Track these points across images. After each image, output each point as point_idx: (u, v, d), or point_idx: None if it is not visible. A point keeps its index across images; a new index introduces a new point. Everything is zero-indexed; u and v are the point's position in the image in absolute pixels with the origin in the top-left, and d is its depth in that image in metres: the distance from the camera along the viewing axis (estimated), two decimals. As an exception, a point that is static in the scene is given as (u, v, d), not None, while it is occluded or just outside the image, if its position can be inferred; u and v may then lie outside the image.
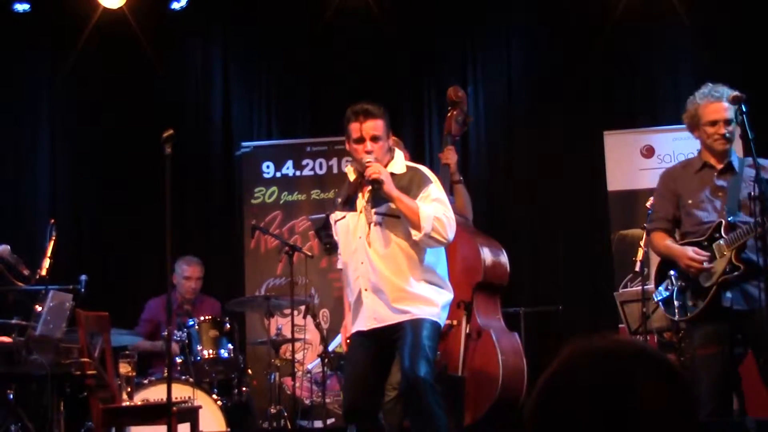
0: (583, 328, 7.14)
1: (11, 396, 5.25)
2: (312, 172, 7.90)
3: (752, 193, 4.31)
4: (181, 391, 5.67)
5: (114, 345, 5.47)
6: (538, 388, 1.24)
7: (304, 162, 7.89)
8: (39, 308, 4.89)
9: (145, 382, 5.91)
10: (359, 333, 4.35)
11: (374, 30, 8.09)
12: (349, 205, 4.40)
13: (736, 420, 4.59)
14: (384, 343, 4.33)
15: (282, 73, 8.48)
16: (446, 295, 4.43)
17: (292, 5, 8.25)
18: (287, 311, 6.64)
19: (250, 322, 7.59)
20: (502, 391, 5.00)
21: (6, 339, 4.78)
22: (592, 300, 7.66)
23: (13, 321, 5.05)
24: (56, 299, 4.94)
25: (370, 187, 4.28)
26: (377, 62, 8.35)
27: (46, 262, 5.23)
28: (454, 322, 5.13)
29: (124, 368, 5.00)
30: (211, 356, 6.21)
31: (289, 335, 6.49)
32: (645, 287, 5.56)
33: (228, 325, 6.33)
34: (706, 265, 4.37)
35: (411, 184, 4.32)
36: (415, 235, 4.20)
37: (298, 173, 7.89)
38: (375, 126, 4.31)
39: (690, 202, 4.53)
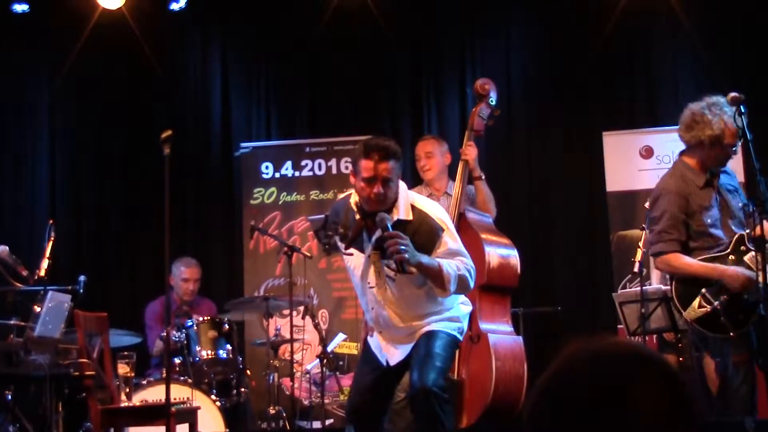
0: (582, 328, 7.13)
1: (10, 397, 5.24)
2: (311, 173, 7.89)
3: (744, 203, 4.49)
4: (179, 392, 5.66)
5: (112, 346, 5.47)
6: (537, 390, 1.24)
7: (303, 163, 7.89)
8: (37, 309, 4.88)
9: (144, 382, 5.91)
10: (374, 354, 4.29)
11: (373, 30, 8.08)
12: (354, 241, 4.12)
13: (735, 420, 4.59)
14: (395, 373, 4.32)
15: (281, 73, 8.48)
16: (464, 308, 4.31)
17: (291, 5, 8.25)
18: (286, 312, 6.64)
19: (249, 323, 7.58)
20: (495, 395, 4.97)
21: None
22: (591, 301, 7.66)
23: (12, 322, 5.04)
24: (55, 300, 4.94)
25: (376, 233, 3.99)
26: (376, 63, 8.34)
27: (45, 263, 5.23)
28: None
29: (123, 369, 4.99)
30: (210, 357, 6.21)
31: (288, 336, 6.48)
32: (644, 288, 5.56)
33: (227, 326, 6.33)
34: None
35: (423, 239, 4.01)
36: (440, 293, 4.06)
37: (297, 174, 7.88)
38: (391, 168, 3.98)
39: (708, 221, 4.53)
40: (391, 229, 3.89)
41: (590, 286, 7.74)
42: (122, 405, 4.93)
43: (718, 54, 7.70)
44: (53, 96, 8.42)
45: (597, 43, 7.83)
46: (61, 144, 8.44)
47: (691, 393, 1.22)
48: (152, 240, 7.38)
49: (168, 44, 8.42)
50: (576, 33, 7.99)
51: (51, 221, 5.55)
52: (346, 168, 7.46)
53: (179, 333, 6.15)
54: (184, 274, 6.86)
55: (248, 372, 6.79)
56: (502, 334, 5.23)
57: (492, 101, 5.56)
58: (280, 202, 7.84)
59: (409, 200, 4.13)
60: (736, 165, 5.61)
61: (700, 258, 4.53)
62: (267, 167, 7.92)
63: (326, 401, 6.83)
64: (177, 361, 6.13)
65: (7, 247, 5.21)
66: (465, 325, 4.30)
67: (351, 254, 4.16)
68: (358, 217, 4.09)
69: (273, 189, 7.88)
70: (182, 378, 5.94)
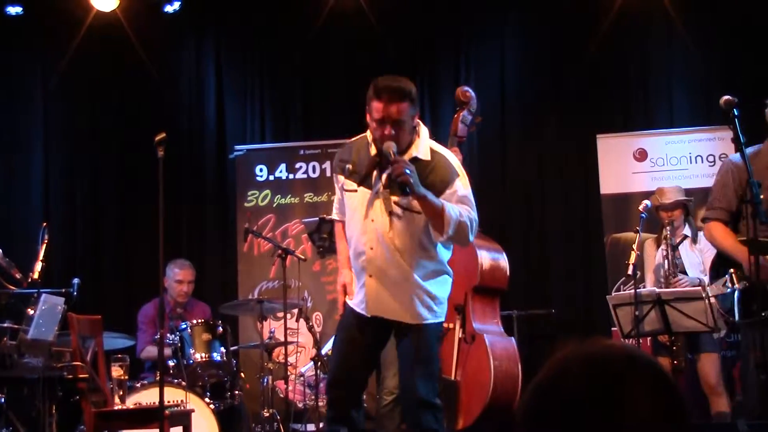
0: (576, 331, 7.14)
1: (3, 400, 5.23)
2: (305, 176, 7.89)
3: None
4: (173, 395, 5.65)
5: (106, 348, 5.46)
6: (529, 393, 1.24)
7: (297, 165, 7.89)
8: (31, 312, 4.88)
9: (138, 385, 5.90)
10: (356, 313, 4.18)
11: (368, 32, 8.08)
12: (362, 179, 4.07)
13: (728, 423, 4.59)
14: (381, 331, 4.22)
15: (275, 76, 8.48)
16: (449, 282, 4.27)
17: (286, 8, 8.25)
18: (280, 314, 6.63)
19: (243, 325, 7.58)
20: (493, 396, 4.99)
21: None
22: (585, 303, 7.67)
23: (5, 324, 5.04)
24: (48, 303, 4.93)
25: (388, 171, 3.96)
26: (371, 65, 8.33)
27: (39, 266, 5.22)
28: (450, 326, 5.12)
29: (117, 372, 4.99)
30: (204, 360, 6.20)
31: (282, 338, 6.48)
32: (637, 290, 5.56)
33: (221, 329, 6.32)
34: None
35: (436, 178, 4.02)
36: (437, 236, 4.01)
37: (291, 176, 7.88)
38: (399, 110, 3.96)
39: (763, 196, 4.35)
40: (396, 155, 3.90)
41: (584, 288, 7.76)
42: (116, 408, 4.92)
43: (711, 57, 7.72)
44: (47, 98, 8.41)
45: (591, 47, 7.85)
46: (55, 146, 8.43)
47: (681, 394, 1.22)
48: (146, 242, 7.38)
49: (162, 46, 8.41)
50: (570, 36, 8.00)
51: (44, 224, 5.54)
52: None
53: (173, 336, 6.15)
54: (177, 276, 6.86)
55: (242, 375, 6.79)
56: (495, 334, 5.25)
57: (473, 108, 5.60)
58: (275, 205, 7.83)
59: (428, 143, 4.12)
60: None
61: (743, 239, 4.41)
62: (261, 170, 7.92)
63: (320, 404, 6.80)
64: (171, 363, 6.12)
65: (1, 250, 5.20)
66: (446, 306, 4.27)
67: (355, 191, 4.10)
68: (373, 152, 4.07)
69: (267, 191, 7.88)
70: (176, 381, 5.94)
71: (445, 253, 4.21)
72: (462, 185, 4.10)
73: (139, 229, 7.92)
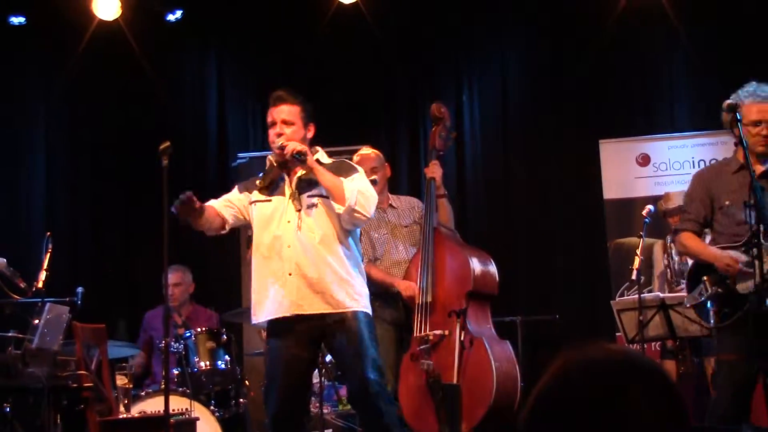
0: (580, 336, 7.12)
1: (8, 409, 5.23)
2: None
3: None
4: (178, 403, 5.65)
5: (111, 357, 5.46)
6: (532, 398, 1.25)
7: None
8: (35, 321, 4.88)
9: (142, 394, 5.90)
10: (278, 321, 4.31)
11: (370, 43, 8.09)
12: (272, 190, 4.39)
13: (733, 427, 4.58)
14: (309, 331, 4.32)
15: (277, 84, 8.46)
16: (364, 275, 4.48)
17: (288, 17, 8.26)
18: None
19: (248, 333, 7.57)
20: (496, 398, 5.01)
21: None
22: (589, 308, 7.66)
23: (10, 334, 5.04)
24: (53, 312, 4.93)
25: (296, 176, 4.32)
26: (372, 74, 8.36)
27: (43, 275, 5.23)
28: (446, 332, 5.15)
29: (121, 380, 4.99)
30: (208, 368, 6.19)
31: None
32: (642, 295, 5.57)
33: (225, 337, 6.32)
34: (741, 266, 4.30)
35: (338, 171, 4.35)
36: (339, 208, 4.22)
37: (294, 184, 7.88)
38: (288, 111, 4.39)
39: (727, 203, 4.46)
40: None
41: (588, 293, 7.75)
42: (121, 417, 4.93)
43: (714, 62, 7.72)
44: (50, 108, 8.43)
45: (593, 52, 7.85)
46: (58, 156, 8.45)
47: (683, 397, 1.22)
48: (150, 251, 7.38)
49: (164, 55, 8.43)
50: (572, 42, 8.01)
51: (48, 233, 5.55)
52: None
53: (177, 344, 6.15)
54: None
55: (247, 382, 6.78)
56: (490, 337, 5.29)
57: (448, 124, 5.74)
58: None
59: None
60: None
61: (719, 246, 4.47)
62: (264, 177, 7.91)
63: (325, 411, 6.81)
64: (175, 372, 6.12)
65: (5, 260, 5.21)
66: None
67: (269, 200, 4.37)
68: (274, 165, 4.39)
69: (270, 199, 7.87)
70: (181, 389, 5.94)
71: (357, 252, 4.46)
72: (362, 176, 4.41)
73: (142, 238, 7.92)
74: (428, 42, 8.34)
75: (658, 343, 6.42)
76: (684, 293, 5.57)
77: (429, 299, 5.28)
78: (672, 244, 5.95)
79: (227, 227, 4.58)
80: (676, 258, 5.97)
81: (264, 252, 4.37)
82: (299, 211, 4.30)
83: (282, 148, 4.28)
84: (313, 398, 6.79)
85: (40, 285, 5.18)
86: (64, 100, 8.39)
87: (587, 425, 1.18)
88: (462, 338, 5.12)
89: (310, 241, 4.27)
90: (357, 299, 4.33)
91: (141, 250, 7.96)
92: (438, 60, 8.37)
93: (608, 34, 7.76)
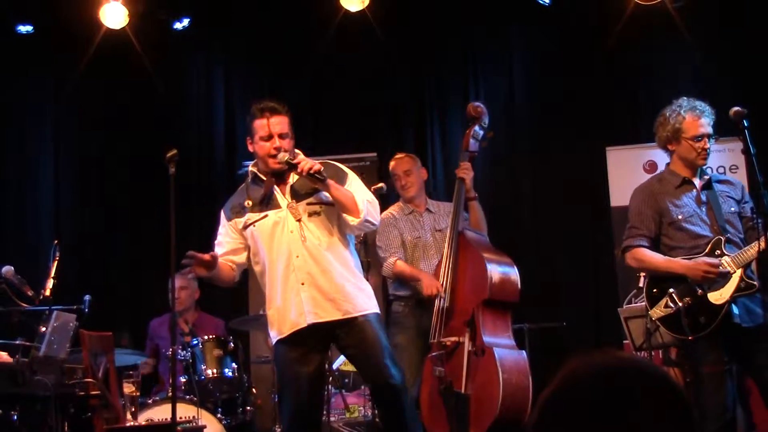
0: (588, 344, 7.12)
1: (15, 417, 5.23)
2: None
3: (741, 211, 4.49)
4: (185, 411, 5.65)
5: (118, 365, 5.46)
6: (540, 404, 1.24)
7: (307, 180, 7.88)
8: (43, 329, 4.88)
9: (150, 401, 5.90)
10: (294, 335, 4.26)
11: (376, 50, 8.10)
12: (266, 204, 4.34)
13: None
14: (320, 339, 4.31)
15: (284, 91, 8.50)
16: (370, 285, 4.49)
17: (294, 24, 8.28)
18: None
19: (254, 341, 7.57)
20: (502, 409, 4.96)
21: (5, 357, 4.76)
22: (597, 316, 7.65)
23: (17, 341, 5.04)
24: (60, 319, 4.94)
25: (289, 184, 4.30)
26: (379, 82, 8.37)
27: (50, 283, 5.23)
28: (461, 339, 5.12)
29: (129, 388, 4.99)
30: (215, 376, 6.20)
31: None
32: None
33: (232, 345, 6.32)
34: (722, 269, 4.32)
35: (335, 177, 4.30)
36: (353, 220, 4.21)
37: (300, 192, 7.88)
38: (281, 122, 4.33)
39: (680, 217, 4.49)
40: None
41: (595, 301, 7.74)
42: (128, 424, 4.93)
43: (720, 68, 7.72)
44: (57, 116, 8.45)
45: (599, 58, 7.85)
46: (66, 164, 8.47)
47: (691, 405, 1.22)
48: (157, 259, 7.38)
49: (171, 63, 8.45)
50: (578, 49, 8.01)
51: (56, 241, 5.55)
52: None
53: (184, 352, 6.16)
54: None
55: (254, 390, 6.78)
56: (505, 347, 5.23)
57: (484, 123, 5.62)
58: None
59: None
60: (740, 178, 5.62)
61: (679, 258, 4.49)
62: (271, 185, 7.92)
63: (332, 419, 6.81)
64: (182, 379, 6.13)
65: (12, 268, 5.21)
66: None
67: (266, 216, 4.31)
68: (264, 178, 4.36)
69: (277, 207, 7.88)
70: (188, 397, 5.94)
71: (354, 249, 4.48)
72: (356, 178, 4.41)
73: (149, 246, 7.93)
74: (434, 50, 8.35)
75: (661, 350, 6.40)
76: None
77: (447, 304, 5.25)
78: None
79: (239, 271, 4.59)
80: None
81: (274, 266, 4.33)
82: (299, 220, 4.27)
83: (290, 163, 4.23)
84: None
85: (48, 293, 5.17)
86: (72, 108, 8.42)
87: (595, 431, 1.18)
88: (471, 348, 5.10)
89: (316, 249, 4.25)
90: (367, 301, 4.33)
91: (149, 258, 7.96)
92: (444, 68, 8.38)
93: (615, 40, 7.76)
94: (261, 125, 4.35)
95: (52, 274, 5.27)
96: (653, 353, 5.70)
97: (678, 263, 4.46)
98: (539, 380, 5.32)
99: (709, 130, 4.57)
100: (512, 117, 8.19)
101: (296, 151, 4.38)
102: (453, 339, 5.15)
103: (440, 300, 5.25)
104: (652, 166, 7.56)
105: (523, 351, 5.40)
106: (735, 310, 4.32)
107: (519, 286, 5.38)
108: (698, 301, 4.38)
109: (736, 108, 4.43)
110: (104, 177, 8.43)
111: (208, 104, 8.57)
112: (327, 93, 8.40)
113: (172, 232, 4.53)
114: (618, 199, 7.54)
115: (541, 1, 7.76)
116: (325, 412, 6.61)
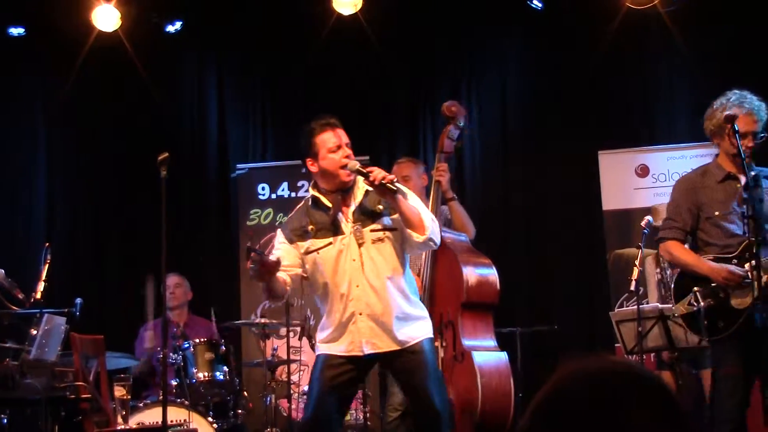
0: (579, 347, 7.12)
1: (5, 421, 5.22)
2: (307, 194, 7.87)
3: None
4: (176, 414, 5.64)
5: (109, 368, 5.45)
6: (531, 409, 1.24)
7: (300, 183, 7.89)
8: (33, 332, 4.87)
9: (141, 405, 5.89)
10: (340, 357, 4.18)
11: (369, 53, 8.10)
12: (330, 230, 4.18)
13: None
14: (368, 366, 4.29)
15: (277, 94, 8.50)
16: (425, 307, 4.40)
17: (287, 27, 8.27)
18: (283, 333, 6.62)
19: (246, 344, 7.56)
20: (482, 413, 4.93)
21: None
22: (588, 319, 7.65)
23: (8, 344, 5.02)
24: (51, 323, 4.92)
25: (351, 208, 4.15)
26: (372, 84, 8.37)
27: (41, 286, 5.21)
28: (443, 344, 5.10)
29: (119, 391, 4.97)
30: (207, 379, 6.19)
31: (284, 357, 6.47)
32: (640, 306, 5.55)
33: (223, 348, 6.31)
34: (745, 279, 4.26)
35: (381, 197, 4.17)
36: (418, 237, 4.04)
37: (293, 195, 7.89)
38: (344, 134, 4.23)
39: (717, 213, 4.42)
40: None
41: (587, 304, 7.74)
42: (119, 428, 4.91)
43: (712, 73, 7.72)
44: (49, 118, 8.43)
45: (592, 63, 7.86)
46: (57, 166, 8.45)
47: (684, 409, 1.22)
48: (149, 262, 7.37)
49: (164, 66, 8.44)
50: (571, 53, 8.02)
51: (47, 244, 5.54)
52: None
53: (175, 355, 6.14)
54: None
55: (245, 393, 6.77)
56: (485, 350, 5.16)
57: (459, 123, 5.56)
58: (277, 223, 7.82)
59: None
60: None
61: (710, 258, 4.43)
62: (263, 188, 7.93)
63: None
64: (174, 383, 6.11)
65: (3, 271, 5.19)
66: None
67: (330, 243, 4.16)
68: (327, 202, 4.20)
69: (269, 210, 7.88)
70: (179, 400, 5.93)
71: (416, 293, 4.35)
72: (414, 196, 4.22)
73: (141, 249, 7.91)
74: (428, 55, 8.35)
75: (654, 354, 6.40)
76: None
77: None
78: (663, 260, 5.89)
79: (289, 289, 4.31)
80: (668, 272, 5.94)
81: (335, 293, 4.19)
82: (362, 244, 4.12)
83: (361, 171, 4.06)
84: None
85: (39, 296, 5.16)
86: (64, 110, 8.39)
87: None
88: (446, 354, 5.07)
89: (377, 278, 4.13)
90: (421, 328, 4.22)
91: (141, 261, 7.94)
92: (437, 70, 8.38)
93: (607, 45, 7.76)
94: (328, 138, 4.19)
95: (43, 277, 5.25)
96: (645, 357, 5.70)
97: (704, 264, 4.41)
98: (530, 384, 5.31)
99: (756, 127, 4.42)
100: (504, 123, 8.19)
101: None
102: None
103: None
104: (644, 170, 7.58)
105: (504, 352, 5.32)
106: (757, 315, 4.21)
107: (498, 287, 5.32)
108: (719, 304, 4.34)
109: (728, 112, 4.42)
110: (96, 179, 8.41)
111: (201, 106, 8.56)
112: (320, 96, 8.39)
113: (163, 235, 4.52)
114: (610, 202, 7.55)
115: (533, 5, 7.77)
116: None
